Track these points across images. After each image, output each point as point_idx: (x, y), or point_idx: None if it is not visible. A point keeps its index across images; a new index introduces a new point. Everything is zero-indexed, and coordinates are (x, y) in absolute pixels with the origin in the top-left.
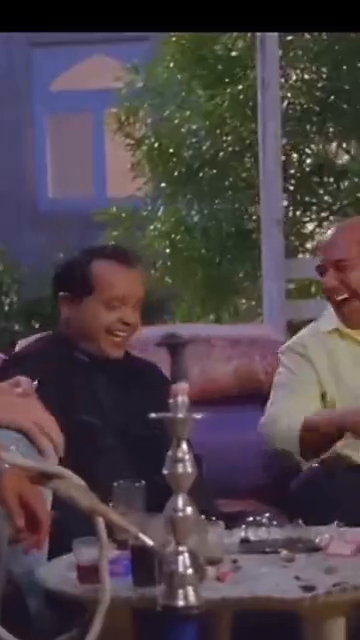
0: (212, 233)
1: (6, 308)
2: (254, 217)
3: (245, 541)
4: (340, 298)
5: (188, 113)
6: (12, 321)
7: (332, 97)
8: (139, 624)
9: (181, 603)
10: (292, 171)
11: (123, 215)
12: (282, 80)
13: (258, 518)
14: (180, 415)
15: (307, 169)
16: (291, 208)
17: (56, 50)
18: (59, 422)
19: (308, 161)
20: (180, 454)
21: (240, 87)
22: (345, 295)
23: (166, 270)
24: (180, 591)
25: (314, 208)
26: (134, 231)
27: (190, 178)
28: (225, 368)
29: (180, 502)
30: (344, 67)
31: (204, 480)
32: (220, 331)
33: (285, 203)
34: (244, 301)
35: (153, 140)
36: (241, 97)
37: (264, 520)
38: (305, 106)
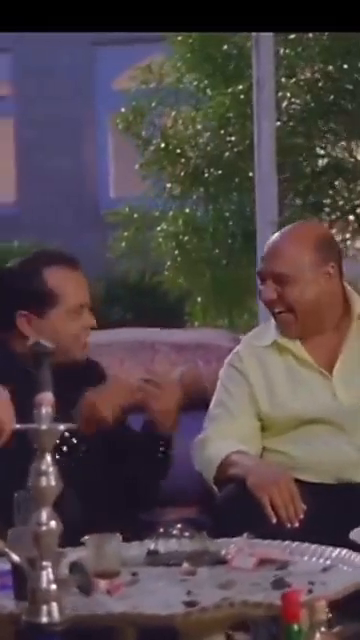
0: (219, 234)
1: None
2: None
3: (152, 553)
4: (276, 311)
5: (193, 113)
6: None
7: (332, 97)
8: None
9: (44, 619)
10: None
11: (135, 216)
12: (284, 79)
13: (170, 529)
14: (44, 427)
15: (318, 170)
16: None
17: (118, 49)
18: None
19: (320, 162)
20: (44, 467)
21: (241, 87)
22: (281, 309)
23: (175, 271)
24: (44, 607)
25: (326, 209)
26: (145, 231)
27: (197, 179)
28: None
29: (44, 516)
30: (345, 66)
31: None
32: (165, 336)
33: (299, 203)
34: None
35: (160, 140)
36: (242, 97)
37: (175, 531)
38: (310, 105)
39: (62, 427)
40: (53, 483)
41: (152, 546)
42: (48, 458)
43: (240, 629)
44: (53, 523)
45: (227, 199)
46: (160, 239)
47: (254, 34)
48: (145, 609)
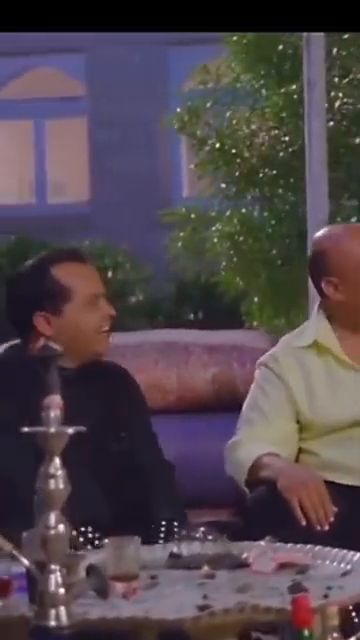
0: (274, 234)
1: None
2: None
3: (174, 556)
4: None
5: (248, 113)
6: (137, 319)
7: None
8: None
9: (52, 623)
10: None
11: (192, 216)
12: (337, 79)
13: (193, 532)
14: (52, 429)
15: None
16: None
17: (189, 48)
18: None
19: None
20: (52, 470)
21: (294, 87)
22: None
23: (230, 271)
24: (52, 611)
25: None
26: (202, 231)
27: (252, 179)
28: (202, 376)
29: (53, 519)
30: None
31: (176, 489)
32: (199, 337)
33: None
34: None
35: (215, 140)
36: (295, 97)
37: (198, 534)
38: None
39: (71, 430)
40: (62, 486)
41: (175, 549)
42: (57, 461)
43: (269, 631)
44: (62, 527)
45: (282, 199)
46: (215, 239)
47: (305, 34)
48: (156, 613)
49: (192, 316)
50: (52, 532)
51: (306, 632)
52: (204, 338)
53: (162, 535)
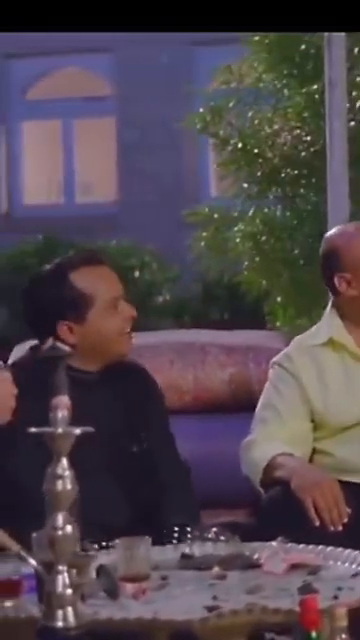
0: (296, 234)
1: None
2: None
3: (186, 556)
4: None
5: (270, 114)
6: (164, 318)
7: None
8: None
9: (60, 624)
10: None
11: (216, 216)
12: (359, 79)
13: (205, 533)
14: (60, 430)
15: None
16: None
17: (216, 48)
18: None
19: None
20: (60, 470)
21: (315, 86)
22: None
23: (253, 271)
24: (59, 611)
25: None
26: (224, 231)
27: (274, 179)
28: (219, 376)
29: (60, 520)
30: None
31: (192, 492)
32: (215, 338)
33: None
34: None
35: (237, 140)
36: (316, 96)
37: (210, 535)
38: None
39: (78, 431)
40: (69, 487)
41: (187, 550)
42: (64, 462)
43: (283, 632)
44: (69, 527)
45: (304, 199)
46: (237, 239)
47: (326, 34)
48: (164, 614)
49: (219, 316)
50: (59, 533)
51: (314, 634)
52: (221, 338)
53: (174, 541)
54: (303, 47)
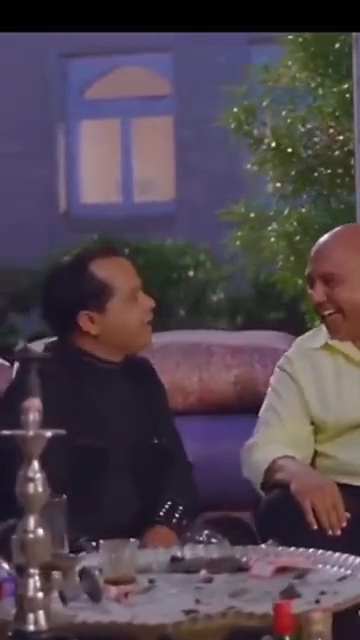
0: None
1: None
2: None
3: (176, 559)
4: (326, 313)
5: (303, 112)
6: (218, 318)
7: None
8: None
9: (31, 627)
10: None
11: (252, 215)
12: None
13: (196, 535)
14: (31, 433)
15: None
16: None
17: (271, 48)
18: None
19: None
20: (31, 473)
21: (346, 85)
22: (331, 310)
23: (288, 271)
24: (30, 615)
25: None
26: (260, 231)
27: (308, 178)
28: (224, 377)
29: (31, 523)
30: None
31: (195, 484)
32: (221, 338)
33: None
34: None
35: (271, 139)
36: (347, 96)
37: (201, 537)
38: None
39: (49, 434)
40: (40, 490)
41: (178, 552)
42: (35, 465)
43: None
44: (40, 531)
45: (337, 198)
46: (272, 239)
47: (354, 34)
48: (142, 617)
49: (273, 315)
50: (31, 536)
51: (287, 638)
52: (226, 339)
53: (162, 513)
54: (337, 46)
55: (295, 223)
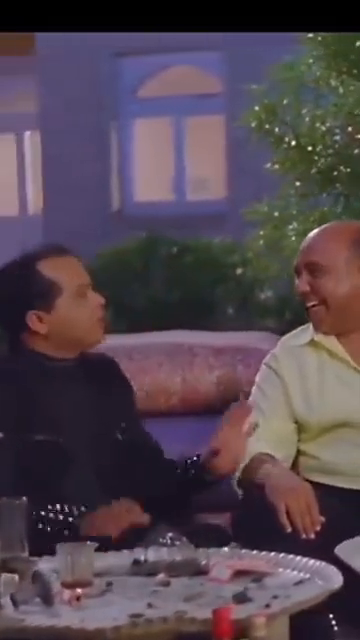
0: None
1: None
2: None
3: (137, 562)
4: (310, 304)
5: (321, 111)
6: (266, 316)
7: None
8: None
9: None
10: None
11: (276, 214)
12: None
13: (159, 538)
14: None
15: None
16: None
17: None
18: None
19: None
20: None
21: None
22: (314, 302)
23: None
24: None
25: None
26: (282, 229)
27: (328, 177)
28: (207, 378)
29: None
30: None
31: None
32: (204, 339)
33: None
34: None
35: (292, 138)
36: None
37: (165, 540)
38: None
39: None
40: None
41: (142, 555)
42: None
43: None
44: None
45: (358, 197)
46: (293, 237)
47: None
48: (90, 622)
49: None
50: None
51: None
52: (209, 340)
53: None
54: (358, 44)
55: (316, 222)
